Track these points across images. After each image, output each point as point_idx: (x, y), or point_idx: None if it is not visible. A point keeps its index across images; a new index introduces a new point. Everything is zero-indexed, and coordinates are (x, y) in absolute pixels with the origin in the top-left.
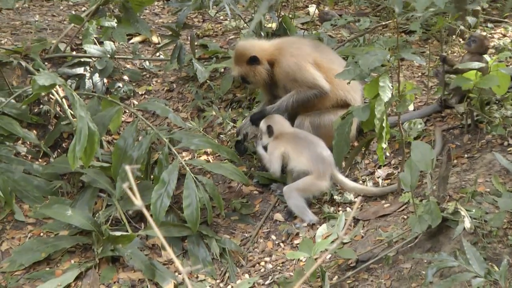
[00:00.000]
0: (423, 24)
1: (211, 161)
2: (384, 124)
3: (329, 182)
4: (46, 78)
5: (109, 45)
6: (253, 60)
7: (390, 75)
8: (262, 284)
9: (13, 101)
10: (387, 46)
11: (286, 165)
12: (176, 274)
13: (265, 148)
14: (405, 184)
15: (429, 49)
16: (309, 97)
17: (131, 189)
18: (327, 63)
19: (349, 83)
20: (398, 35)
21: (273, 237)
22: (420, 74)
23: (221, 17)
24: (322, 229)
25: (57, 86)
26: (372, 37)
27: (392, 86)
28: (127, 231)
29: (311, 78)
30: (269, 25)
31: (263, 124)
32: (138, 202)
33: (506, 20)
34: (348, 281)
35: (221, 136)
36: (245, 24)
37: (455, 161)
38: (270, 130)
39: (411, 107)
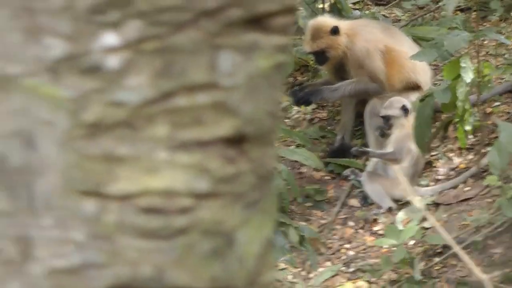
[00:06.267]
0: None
1: None
2: (466, 106)
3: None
4: None
5: None
6: (335, 31)
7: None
8: (346, 272)
9: None
10: (464, 26)
11: None
12: None
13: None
14: (494, 166)
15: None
16: (368, 90)
17: None
18: (398, 46)
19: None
20: (478, 14)
21: (351, 223)
22: (484, 53)
23: None
24: (401, 215)
25: None
26: (427, 16)
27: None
28: None
29: (378, 70)
30: (321, 5)
31: (392, 107)
32: None
33: None
34: (436, 268)
35: (286, 120)
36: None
37: None
38: (405, 109)
39: None
